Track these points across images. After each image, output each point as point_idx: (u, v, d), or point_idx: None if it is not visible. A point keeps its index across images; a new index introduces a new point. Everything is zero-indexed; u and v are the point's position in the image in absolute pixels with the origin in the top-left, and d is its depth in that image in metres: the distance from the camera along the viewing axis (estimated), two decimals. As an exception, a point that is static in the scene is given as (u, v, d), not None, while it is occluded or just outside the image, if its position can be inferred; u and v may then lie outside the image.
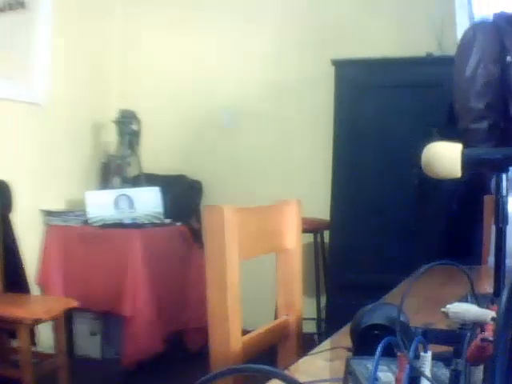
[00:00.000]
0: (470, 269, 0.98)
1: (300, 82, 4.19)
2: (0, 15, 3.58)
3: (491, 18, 3.09)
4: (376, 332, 0.97)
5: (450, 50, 3.39)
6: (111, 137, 4.24)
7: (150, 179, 4.17)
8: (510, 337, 0.58)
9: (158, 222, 3.91)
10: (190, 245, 3.97)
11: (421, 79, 3.56)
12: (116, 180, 4.14)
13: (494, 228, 1.10)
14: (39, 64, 3.83)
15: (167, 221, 3.97)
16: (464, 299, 0.87)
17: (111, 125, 4.17)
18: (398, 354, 0.76)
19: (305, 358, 1.15)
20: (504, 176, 1.06)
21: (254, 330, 1.41)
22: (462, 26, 3.56)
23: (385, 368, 0.84)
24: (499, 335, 0.57)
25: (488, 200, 2.38)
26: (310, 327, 3.68)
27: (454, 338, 0.79)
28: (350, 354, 1.00)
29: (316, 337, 3.82)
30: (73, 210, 3.90)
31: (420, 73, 3.59)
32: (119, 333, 3.66)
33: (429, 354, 0.76)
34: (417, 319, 1.15)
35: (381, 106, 3.69)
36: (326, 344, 1.23)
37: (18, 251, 3.41)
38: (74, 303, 3.21)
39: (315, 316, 3.84)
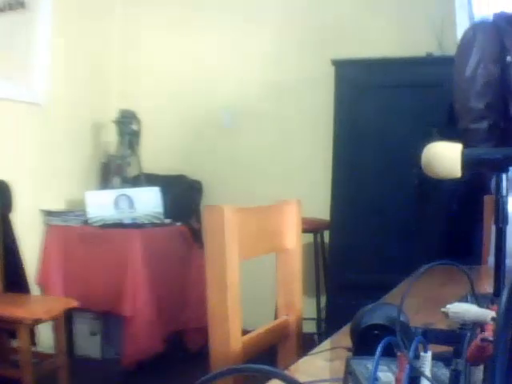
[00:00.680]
0: (470, 269, 0.98)
1: (300, 82, 4.19)
2: (0, 15, 3.58)
3: (491, 18, 3.09)
4: (376, 332, 0.97)
5: (450, 49, 3.39)
6: (111, 137, 4.24)
7: (149, 179, 4.17)
8: (510, 337, 0.58)
9: (157, 221, 3.91)
10: (190, 245, 3.97)
11: (421, 79, 3.56)
12: (116, 180, 4.15)
13: (493, 228, 1.10)
14: (39, 64, 3.83)
15: (167, 221, 3.97)
16: (464, 299, 0.87)
17: (111, 125, 4.17)
18: (398, 353, 0.76)
19: (305, 358, 1.15)
20: (504, 176, 1.06)
21: (253, 330, 1.41)
22: (462, 26, 3.56)
23: (385, 368, 0.84)
24: (499, 335, 0.57)
25: (488, 200, 2.38)
26: (309, 327, 3.68)
27: (454, 337, 0.79)
28: (350, 354, 1.00)
29: (316, 337, 3.82)
30: (73, 210, 3.90)
31: (420, 73, 3.59)
32: (119, 333, 3.66)
33: (429, 354, 0.76)
34: (417, 319, 1.15)
35: (381, 106, 3.69)
36: (326, 344, 1.23)
37: (18, 251, 3.41)
38: (74, 303, 3.21)
39: (315, 316, 3.84)
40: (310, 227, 3.57)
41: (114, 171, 4.16)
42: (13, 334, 3.04)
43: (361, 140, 3.73)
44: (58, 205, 3.96)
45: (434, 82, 3.44)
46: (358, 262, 3.69)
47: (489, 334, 0.74)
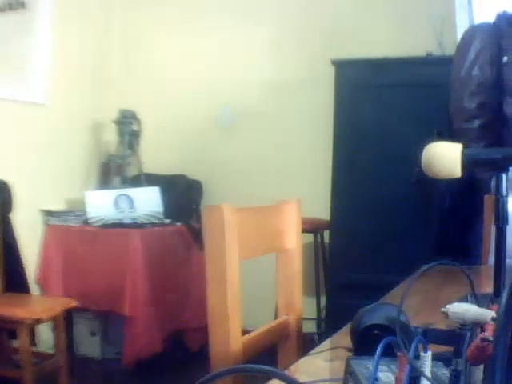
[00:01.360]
0: (470, 269, 0.97)
1: (300, 82, 4.19)
2: (0, 15, 3.58)
3: (492, 18, 3.08)
4: (376, 332, 0.97)
5: (450, 50, 3.38)
6: (111, 137, 4.24)
7: (149, 179, 4.17)
8: (510, 337, 0.58)
9: (157, 221, 3.90)
10: (190, 245, 3.97)
11: (421, 79, 3.56)
12: (116, 180, 4.15)
13: (493, 228, 1.10)
14: (39, 64, 3.83)
15: (167, 221, 3.97)
16: (464, 299, 0.86)
17: (111, 125, 4.17)
18: (398, 354, 0.76)
19: (305, 358, 1.15)
20: (504, 176, 1.06)
21: (254, 330, 1.41)
22: (461, 27, 3.56)
23: (385, 368, 0.84)
24: (499, 335, 0.57)
25: (488, 200, 2.38)
26: (309, 327, 3.68)
27: (454, 337, 0.78)
28: (350, 354, 1.00)
29: (316, 337, 3.82)
30: (73, 210, 3.90)
31: (420, 73, 3.59)
32: (119, 333, 3.67)
33: (429, 354, 0.76)
34: (417, 319, 1.15)
35: (381, 106, 3.69)
36: (326, 344, 1.23)
37: (17, 251, 3.41)
38: (74, 303, 3.21)
39: (315, 316, 3.84)
40: (310, 227, 3.57)
41: (114, 171, 4.16)
42: (13, 334, 3.04)
43: (361, 140, 3.73)
44: (57, 205, 3.96)
45: (434, 82, 3.44)
46: (358, 261, 3.69)
47: (489, 333, 0.74)
